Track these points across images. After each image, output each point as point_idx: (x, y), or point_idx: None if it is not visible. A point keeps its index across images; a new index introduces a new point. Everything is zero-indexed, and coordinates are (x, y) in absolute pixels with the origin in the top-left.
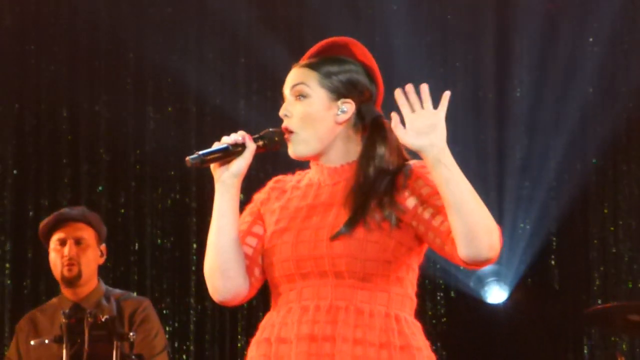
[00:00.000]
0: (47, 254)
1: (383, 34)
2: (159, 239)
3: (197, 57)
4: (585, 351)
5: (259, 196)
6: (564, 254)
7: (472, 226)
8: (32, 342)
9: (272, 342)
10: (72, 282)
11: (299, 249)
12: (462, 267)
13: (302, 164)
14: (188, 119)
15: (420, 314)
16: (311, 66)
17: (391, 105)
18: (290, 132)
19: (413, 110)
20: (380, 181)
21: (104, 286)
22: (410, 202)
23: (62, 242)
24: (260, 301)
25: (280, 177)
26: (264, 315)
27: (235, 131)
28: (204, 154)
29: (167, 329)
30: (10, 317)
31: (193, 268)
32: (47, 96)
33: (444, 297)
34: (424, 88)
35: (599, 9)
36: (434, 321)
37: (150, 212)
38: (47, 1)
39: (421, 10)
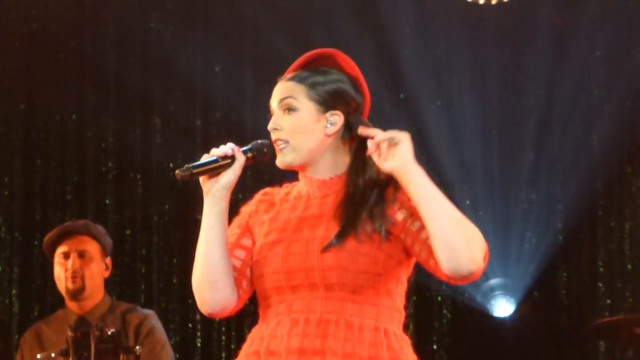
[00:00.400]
0: (53, 267)
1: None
2: (166, 252)
3: (203, 69)
4: None
5: (246, 209)
6: (570, 267)
7: (450, 239)
8: (38, 356)
9: (261, 354)
10: (76, 294)
11: (290, 261)
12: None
13: (289, 177)
14: (194, 132)
15: (426, 327)
16: (298, 79)
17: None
18: (281, 142)
19: (379, 153)
20: (370, 192)
21: (109, 299)
22: (400, 215)
23: (66, 255)
24: None
25: (267, 189)
26: None
27: (243, 142)
28: (193, 167)
29: (173, 342)
30: (19, 332)
31: None
32: (55, 109)
33: (451, 310)
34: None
35: (605, 23)
36: (440, 334)
37: (157, 226)
38: (53, 15)
39: (427, 23)
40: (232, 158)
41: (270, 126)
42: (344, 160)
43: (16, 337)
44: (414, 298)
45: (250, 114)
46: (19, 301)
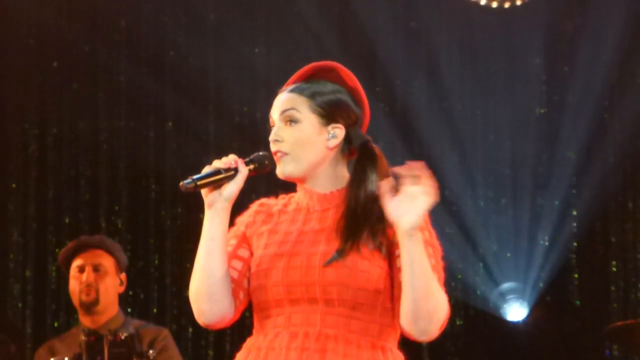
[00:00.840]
0: (68, 279)
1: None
2: (178, 258)
3: (215, 73)
4: None
5: (242, 219)
6: (583, 270)
7: (417, 309)
8: None
9: None
10: (90, 307)
11: (290, 275)
12: (482, 284)
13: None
14: (207, 137)
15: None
16: (300, 91)
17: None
18: (282, 154)
19: (414, 183)
20: (371, 208)
21: (123, 315)
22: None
23: (81, 269)
24: None
25: (263, 200)
26: None
27: (255, 149)
28: (198, 179)
29: (187, 353)
30: (32, 336)
31: None
32: (67, 114)
33: (464, 314)
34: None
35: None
36: (453, 338)
37: (170, 230)
38: (66, 22)
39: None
40: (235, 170)
41: (271, 137)
42: (343, 174)
43: (29, 346)
44: None
45: (263, 119)
46: (33, 306)
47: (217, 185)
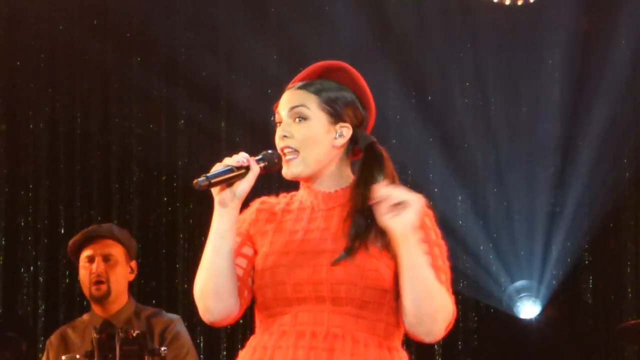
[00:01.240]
0: (77, 270)
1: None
2: (191, 252)
3: (228, 71)
4: None
5: (245, 217)
6: (596, 269)
7: (420, 311)
8: (63, 358)
9: None
10: (101, 300)
11: (297, 273)
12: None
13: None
14: (219, 133)
15: (452, 329)
16: (310, 89)
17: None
18: (290, 150)
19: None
20: (372, 213)
21: (134, 303)
22: None
23: (91, 259)
24: None
25: (264, 198)
26: None
27: (268, 147)
28: (211, 177)
29: (200, 343)
30: (44, 335)
31: None
32: (79, 111)
33: (476, 313)
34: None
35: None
36: (466, 336)
37: (182, 228)
38: (77, 17)
39: (453, 24)
40: (247, 168)
41: (279, 133)
42: (347, 174)
43: (42, 339)
44: None
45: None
46: (45, 303)
47: (229, 183)
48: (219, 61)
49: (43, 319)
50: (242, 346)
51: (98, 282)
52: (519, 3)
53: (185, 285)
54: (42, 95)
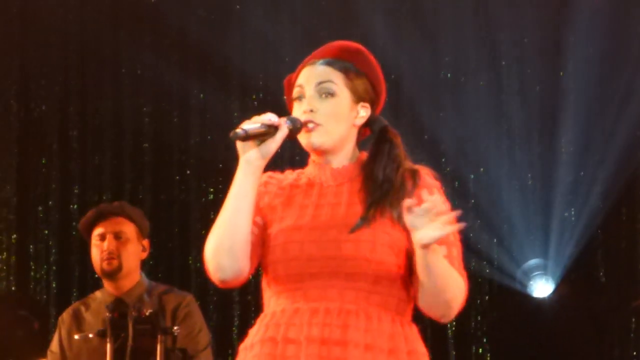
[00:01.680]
0: (89, 248)
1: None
2: (203, 231)
3: (240, 49)
4: (632, 344)
5: None
6: (610, 247)
7: (436, 300)
8: (75, 337)
9: (278, 341)
10: (112, 275)
11: (309, 249)
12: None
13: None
14: (231, 112)
15: (465, 307)
16: (335, 65)
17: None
18: (314, 124)
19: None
20: (390, 183)
21: (146, 281)
22: None
23: (102, 237)
24: None
25: (270, 173)
26: None
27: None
28: (248, 129)
29: (212, 323)
30: (56, 313)
31: None
32: (91, 91)
33: (489, 291)
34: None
35: None
36: (478, 315)
37: (194, 206)
38: (90, 8)
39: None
40: (275, 128)
41: (305, 107)
42: (356, 152)
43: (54, 317)
44: None
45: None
46: (57, 282)
47: (261, 140)
48: (232, 39)
49: (55, 297)
50: (254, 323)
51: (109, 258)
52: None
53: (198, 264)
54: (54, 75)
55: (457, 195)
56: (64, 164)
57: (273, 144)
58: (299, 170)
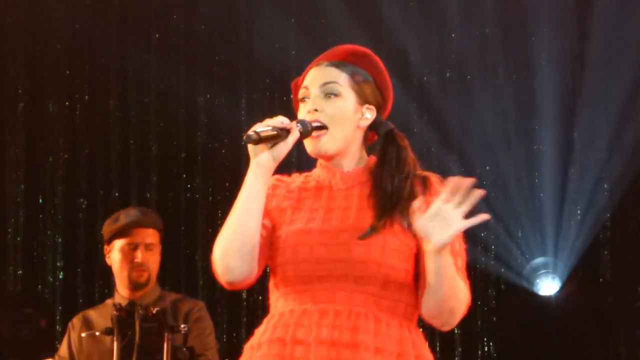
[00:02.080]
0: (98, 243)
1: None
2: (210, 230)
3: (248, 46)
4: (638, 344)
5: None
6: (616, 245)
7: (441, 308)
8: (83, 334)
9: (286, 342)
10: (142, 286)
11: (318, 251)
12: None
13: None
14: (239, 110)
15: (471, 305)
16: (341, 67)
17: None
18: (321, 127)
19: (450, 202)
20: (402, 186)
21: (159, 288)
22: None
23: (134, 247)
24: None
25: (278, 176)
26: None
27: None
28: (260, 132)
29: (218, 324)
30: (62, 312)
31: None
32: (97, 87)
33: (495, 289)
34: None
35: None
36: (485, 313)
37: (201, 205)
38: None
39: None
40: (287, 131)
41: (310, 107)
42: (364, 156)
43: (59, 316)
44: None
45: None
46: (63, 280)
47: (272, 143)
48: (239, 37)
49: (61, 296)
50: (261, 324)
51: (141, 269)
52: None
53: (205, 263)
54: (61, 73)
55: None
56: (70, 163)
57: (284, 147)
58: (306, 173)
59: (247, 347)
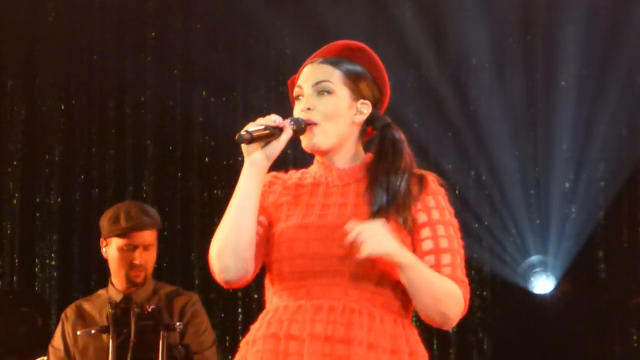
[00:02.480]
0: (93, 242)
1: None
2: (206, 228)
3: (244, 47)
4: (633, 342)
5: None
6: (611, 244)
7: (429, 312)
8: (78, 332)
9: (280, 338)
10: (139, 285)
11: (314, 247)
12: (510, 258)
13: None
14: (235, 109)
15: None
16: (334, 64)
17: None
18: (313, 124)
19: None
20: (396, 184)
21: (153, 281)
22: (421, 216)
23: (133, 248)
24: None
25: (275, 173)
26: None
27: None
28: (253, 131)
29: (214, 321)
30: (57, 307)
31: None
32: (94, 86)
33: (490, 288)
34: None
35: None
36: (480, 311)
37: (197, 203)
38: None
39: None
40: (280, 130)
41: (303, 106)
42: (361, 152)
43: (54, 314)
44: None
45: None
46: (58, 278)
47: (266, 142)
48: (235, 36)
49: (57, 294)
50: (257, 320)
51: (138, 270)
52: None
53: (202, 263)
54: (59, 71)
55: (458, 191)
56: (66, 161)
57: (278, 145)
58: (303, 170)
59: (242, 343)
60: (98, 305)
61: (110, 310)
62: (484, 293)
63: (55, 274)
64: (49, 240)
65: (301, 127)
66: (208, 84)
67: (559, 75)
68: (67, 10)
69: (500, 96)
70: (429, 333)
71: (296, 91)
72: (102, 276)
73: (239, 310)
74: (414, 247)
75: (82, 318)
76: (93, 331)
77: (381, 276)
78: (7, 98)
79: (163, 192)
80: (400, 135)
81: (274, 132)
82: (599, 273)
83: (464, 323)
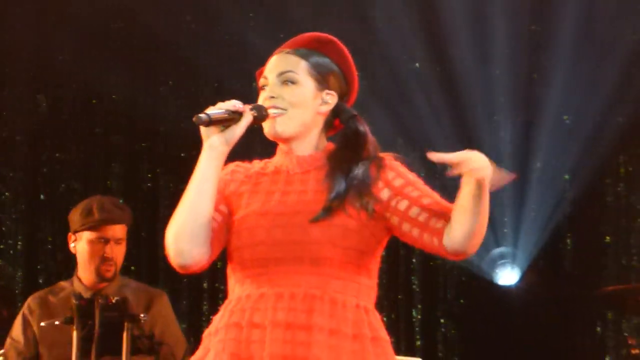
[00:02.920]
0: (60, 235)
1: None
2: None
3: (211, 39)
4: (598, 333)
5: (220, 176)
6: (577, 235)
7: (476, 232)
8: (42, 324)
9: (243, 326)
10: (109, 280)
11: (275, 234)
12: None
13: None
14: (201, 101)
15: (433, 296)
16: (300, 55)
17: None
18: (279, 109)
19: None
20: (355, 169)
21: (119, 277)
22: (384, 193)
23: (105, 241)
24: None
25: (238, 162)
26: None
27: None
28: (212, 114)
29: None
30: (22, 300)
31: None
32: (65, 81)
33: (456, 279)
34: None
35: None
36: (446, 302)
37: (164, 195)
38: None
39: None
40: (240, 115)
41: (267, 94)
42: (323, 142)
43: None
44: (420, 267)
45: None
46: (24, 270)
47: (225, 125)
48: (202, 30)
49: (21, 285)
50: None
51: (109, 264)
52: None
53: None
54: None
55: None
56: (32, 152)
57: (237, 130)
58: (266, 160)
59: (205, 334)
60: (62, 297)
61: (74, 301)
62: (450, 284)
63: (19, 265)
64: (13, 231)
65: (262, 114)
66: (174, 74)
67: (521, 63)
68: (36, 15)
69: (475, 85)
70: (392, 322)
71: (261, 81)
72: (69, 269)
73: (205, 301)
74: (391, 221)
75: (47, 309)
76: (57, 322)
77: (342, 261)
78: None
79: (130, 183)
80: (365, 127)
81: (234, 117)
82: (564, 264)
83: (429, 314)
